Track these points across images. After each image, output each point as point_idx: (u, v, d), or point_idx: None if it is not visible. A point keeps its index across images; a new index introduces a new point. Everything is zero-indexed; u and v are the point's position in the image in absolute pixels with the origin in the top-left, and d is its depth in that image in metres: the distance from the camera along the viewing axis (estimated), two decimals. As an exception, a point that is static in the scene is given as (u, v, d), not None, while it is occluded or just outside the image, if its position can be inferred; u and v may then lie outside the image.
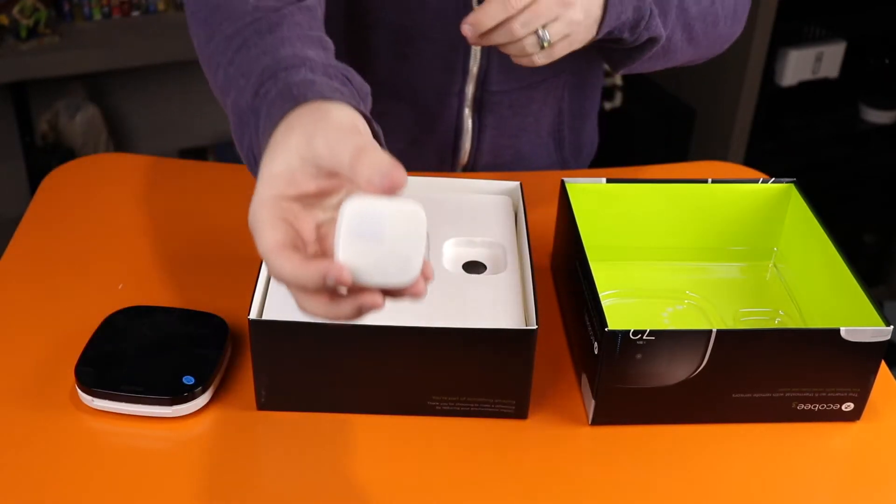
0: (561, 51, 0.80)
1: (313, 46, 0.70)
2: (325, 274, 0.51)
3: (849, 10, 2.06)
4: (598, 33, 0.80)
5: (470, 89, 0.96)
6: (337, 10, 0.91)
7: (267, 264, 0.54)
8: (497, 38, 0.78)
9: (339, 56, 0.86)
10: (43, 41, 1.87)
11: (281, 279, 0.53)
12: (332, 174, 0.56)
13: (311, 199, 0.56)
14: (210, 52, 0.74)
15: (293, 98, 0.61)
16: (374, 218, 0.53)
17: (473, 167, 1.03)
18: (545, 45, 0.78)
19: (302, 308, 0.55)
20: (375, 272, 0.53)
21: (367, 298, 0.53)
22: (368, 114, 0.64)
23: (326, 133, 0.56)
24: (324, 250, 0.56)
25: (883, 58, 2.20)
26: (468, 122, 0.99)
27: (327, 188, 0.56)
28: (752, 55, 1.95)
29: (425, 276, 0.54)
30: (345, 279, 0.52)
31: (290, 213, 0.55)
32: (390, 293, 0.54)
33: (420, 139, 0.99)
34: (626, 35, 0.83)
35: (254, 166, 0.65)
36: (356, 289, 0.53)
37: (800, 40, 2.03)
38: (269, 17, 0.71)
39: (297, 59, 0.66)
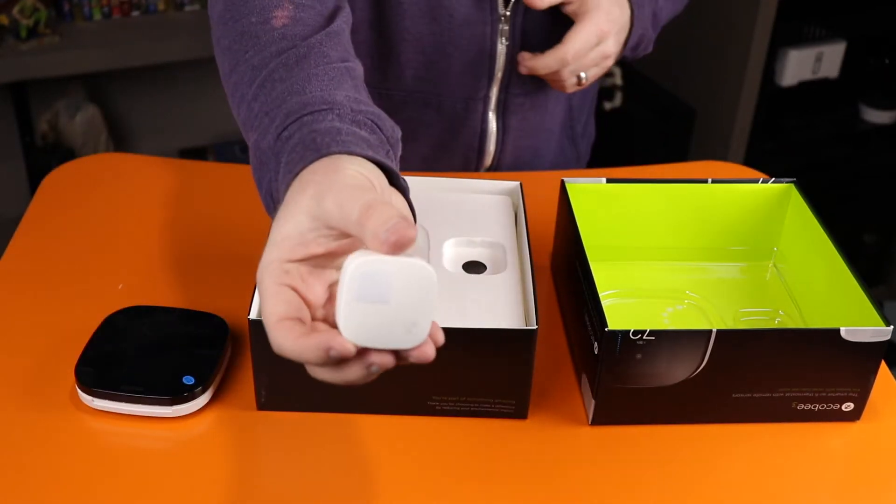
0: (590, 83, 0.95)
1: (342, 83, 0.68)
2: (328, 348, 0.50)
3: (849, 10, 2.06)
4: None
5: (494, 93, 0.97)
6: (364, 22, 0.92)
7: (269, 336, 0.53)
8: (545, 76, 0.93)
9: (366, 68, 0.88)
10: (43, 41, 1.87)
11: (282, 353, 0.52)
12: (343, 234, 0.54)
13: (322, 260, 0.55)
14: (234, 82, 0.72)
15: (315, 148, 0.59)
16: (379, 279, 0.49)
17: (497, 168, 1.04)
18: (583, 83, 0.93)
19: (311, 374, 0.54)
20: (379, 338, 0.51)
21: (376, 358, 0.52)
22: (397, 161, 0.65)
23: (338, 191, 0.54)
24: (333, 313, 0.54)
25: (883, 58, 2.20)
26: (492, 125, 1.00)
27: (338, 249, 0.55)
28: (752, 55, 1.95)
29: (434, 340, 0.52)
30: (347, 352, 0.51)
31: (297, 276, 0.54)
32: (397, 354, 0.53)
33: (446, 144, 1.01)
34: (628, 55, 0.98)
35: (272, 209, 0.64)
36: (363, 350, 0.52)
37: (800, 40, 2.03)
38: (297, 49, 0.69)
39: (324, 103, 0.64)
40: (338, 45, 0.72)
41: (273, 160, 0.63)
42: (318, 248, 0.54)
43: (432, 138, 0.99)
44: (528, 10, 0.93)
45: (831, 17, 2.05)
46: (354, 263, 0.50)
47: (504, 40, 0.94)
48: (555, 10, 0.93)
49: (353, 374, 0.53)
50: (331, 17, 0.75)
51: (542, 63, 0.91)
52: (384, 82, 0.96)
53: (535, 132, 1.04)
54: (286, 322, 0.52)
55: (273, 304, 0.52)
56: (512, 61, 0.95)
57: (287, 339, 0.52)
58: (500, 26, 0.93)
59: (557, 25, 0.93)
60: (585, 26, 0.90)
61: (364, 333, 0.50)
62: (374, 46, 0.93)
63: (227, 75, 0.74)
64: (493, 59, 0.94)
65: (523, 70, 0.93)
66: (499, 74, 0.96)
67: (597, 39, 0.91)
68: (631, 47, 0.97)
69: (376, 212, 0.51)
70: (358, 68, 0.72)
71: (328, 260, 0.55)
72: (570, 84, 0.93)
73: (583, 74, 0.93)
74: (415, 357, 0.52)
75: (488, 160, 1.03)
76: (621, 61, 1.01)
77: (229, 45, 0.74)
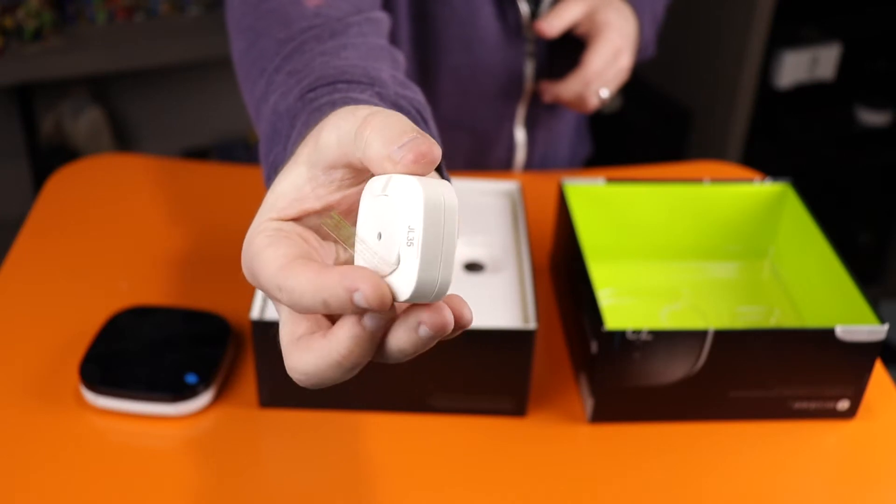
0: (611, 97, 0.96)
1: (383, 60, 0.57)
2: (353, 289, 0.37)
3: (844, 12, 2.07)
4: None
5: (522, 109, 0.98)
6: (406, 54, 0.93)
7: (278, 287, 0.40)
8: (568, 100, 0.93)
9: None
10: (47, 43, 1.88)
11: (301, 301, 0.39)
12: (346, 179, 0.42)
13: (320, 222, 0.44)
14: (253, 57, 0.60)
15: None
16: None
17: None
18: (604, 100, 0.94)
19: (335, 357, 0.41)
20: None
21: (428, 317, 0.40)
22: (444, 168, 0.52)
23: (335, 118, 0.42)
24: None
25: (879, 60, 2.20)
26: (520, 138, 1.01)
27: (340, 201, 0.43)
28: (749, 57, 1.96)
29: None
30: (384, 295, 0.38)
31: (296, 235, 0.42)
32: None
33: (477, 161, 1.02)
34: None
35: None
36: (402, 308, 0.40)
37: (796, 42, 2.03)
38: (332, 25, 0.59)
39: (364, 76, 0.53)
40: (378, 30, 0.62)
41: (287, 123, 0.51)
42: (315, 203, 0.43)
43: (465, 157, 1.01)
44: None
45: (827, 19, 2.06)
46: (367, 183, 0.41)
47: (530, 63, 0.95)
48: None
49: (395, 342, 0.40)
50: (370, 9, 0.65)
51: (566, 89, 0.92)
52: None
53: (557, 139, 1.06)
54: (298, 260, 0.39)
55: (273, 251, 0.40)
56: (537, 78, 0.97)
57: (303, 276, 0.38)
58: (527, 47, 0.94)
59: (579, 41, 0.95)
60: (602, 46, 0.91)
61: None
62: (414, 78, 0.94)
63: (244, 52, 0.62)
64: (521, 81, 0.96)
65: (548, 99, 0.94)
66: (526, 92, 0.97)
67: (613, 56, 0.91)
68: (637, 54, 0.99)
69: (380, 122, 0.39)
70: (400, 59, 0.61)
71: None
72: (592, 104, 0.94)
73: (603, 92, 0.93)
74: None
75: (518, 170, 1.05)
76: None
77: (252, 23, 0.63)
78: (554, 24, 0.90)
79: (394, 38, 0.91)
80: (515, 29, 0.93)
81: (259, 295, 0.72)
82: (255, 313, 0.70)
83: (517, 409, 0.73)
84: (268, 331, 0.69)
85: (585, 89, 0.92)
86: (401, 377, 0.71)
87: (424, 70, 0.94)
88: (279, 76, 0.56)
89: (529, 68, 0.96)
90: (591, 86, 0.92)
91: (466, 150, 1.00)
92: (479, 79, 0.95)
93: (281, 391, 0.72)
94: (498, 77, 0.95)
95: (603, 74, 0.92)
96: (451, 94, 0.95)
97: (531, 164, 1.05)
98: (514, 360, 0.70)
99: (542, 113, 1.01)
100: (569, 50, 0.95)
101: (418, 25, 0.91)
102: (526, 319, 0.72)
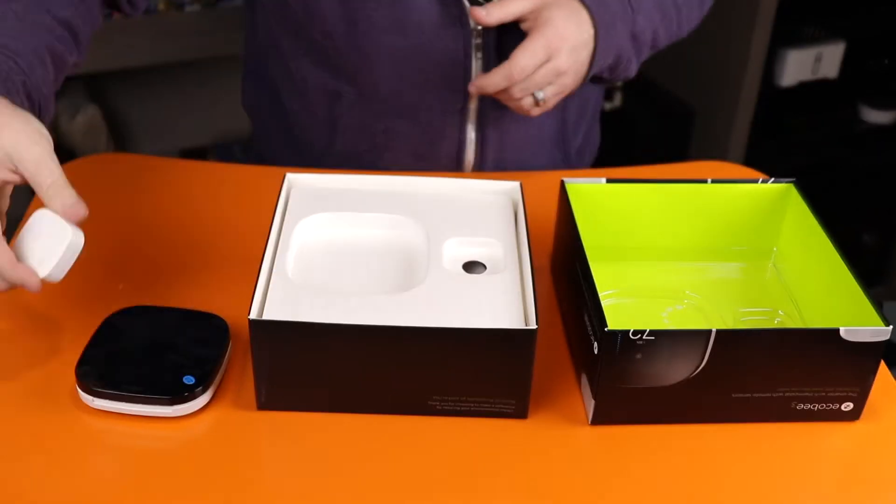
0: (553, 103, 0.92)
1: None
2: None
3: (848, 10, 2.06)
4: (584, 81, 0.92)
5: (472, 105, 0.97)
6: (338, 33, 0.92)
7: None
8: (498, 96, 0.91)
9: (344, 79, 0.93)
10: (43, 42, 1.87)
11: None
12: (14, 171, 0.69)
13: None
14: None
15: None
16: (45, 223, 0.70)
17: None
18: (539, 102, 0.90)
19: None
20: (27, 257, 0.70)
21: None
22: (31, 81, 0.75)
23: (27, 138, 0.68)
24: None
25: (882, 58, 2.20)
26: (471, 136, 1.00)
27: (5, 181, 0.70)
28: (752, 55, 1.95)
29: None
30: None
31: None
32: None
33: (424, 154, 1.00)
34: (605, 75, 0.96)
35: None
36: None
37: (799, 41, 2.02)
38: None
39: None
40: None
41: None
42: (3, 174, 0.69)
43: (410, 148, 1.00)
44: (503, 25, 0.92)
45: (830, 17, 2.05)
46: (41, 211, 0.71)
47: (479, 55, 0.94)
48: None
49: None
50: None
51: (488, 81, 0.88)
52: (361, 93, 0.96)
53: (519, 145, 1.03)
54: None
55: None
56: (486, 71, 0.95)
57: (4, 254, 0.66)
58: (473, 40, 0.93)
59: None
60: (531, 42, 0.87)
61: (18, 251, 0.70)
62: (349, 58, 0.94)
63: None
64: (467, 72, 0.94)
65: (472, 90, 0.91)
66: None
67: (545, 55, 0.87)
68: (607, 68, 0.94)
69: (63, 192, 0.68)
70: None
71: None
72: (527, 104, 0.90)
73: (539, 94, 0.90)
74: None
75: (468, 170, 1.03)
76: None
77: None
78: (493, 14, 0.88)
79: (322, 16, 0.91)
80: (457, 15, 0.91)
81: (258, 294, 0.71)
82: (253, 313, 0.70)
83: (519, 411, 0.72)
84: (267, 331, 0.69)
85: (511, 86, 0.88)
86: (400, 379, 0.71)
87: (360, 50, 0.93)
88: None
89: (478, 64, 0.94)
90: (517, 84, 0.88)
91: (412, 141, 0.98)
92: (418, 64, 0.94)
93: (279, 393, 0.72)
94: (439, 64, 0.94)
95: (529, 73, 0.87)
96: (391, 78, 0.95)
97: (483, 166, 1.02)
98: (514, 361, 0.70)
99: (495, 113, 0.99)
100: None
101: (346, 3, 0.91)
102: (526, 320, 0.72)
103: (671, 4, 0.97)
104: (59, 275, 0.69)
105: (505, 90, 0.89)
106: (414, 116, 0.97)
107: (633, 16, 0.93)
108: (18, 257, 0.69)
